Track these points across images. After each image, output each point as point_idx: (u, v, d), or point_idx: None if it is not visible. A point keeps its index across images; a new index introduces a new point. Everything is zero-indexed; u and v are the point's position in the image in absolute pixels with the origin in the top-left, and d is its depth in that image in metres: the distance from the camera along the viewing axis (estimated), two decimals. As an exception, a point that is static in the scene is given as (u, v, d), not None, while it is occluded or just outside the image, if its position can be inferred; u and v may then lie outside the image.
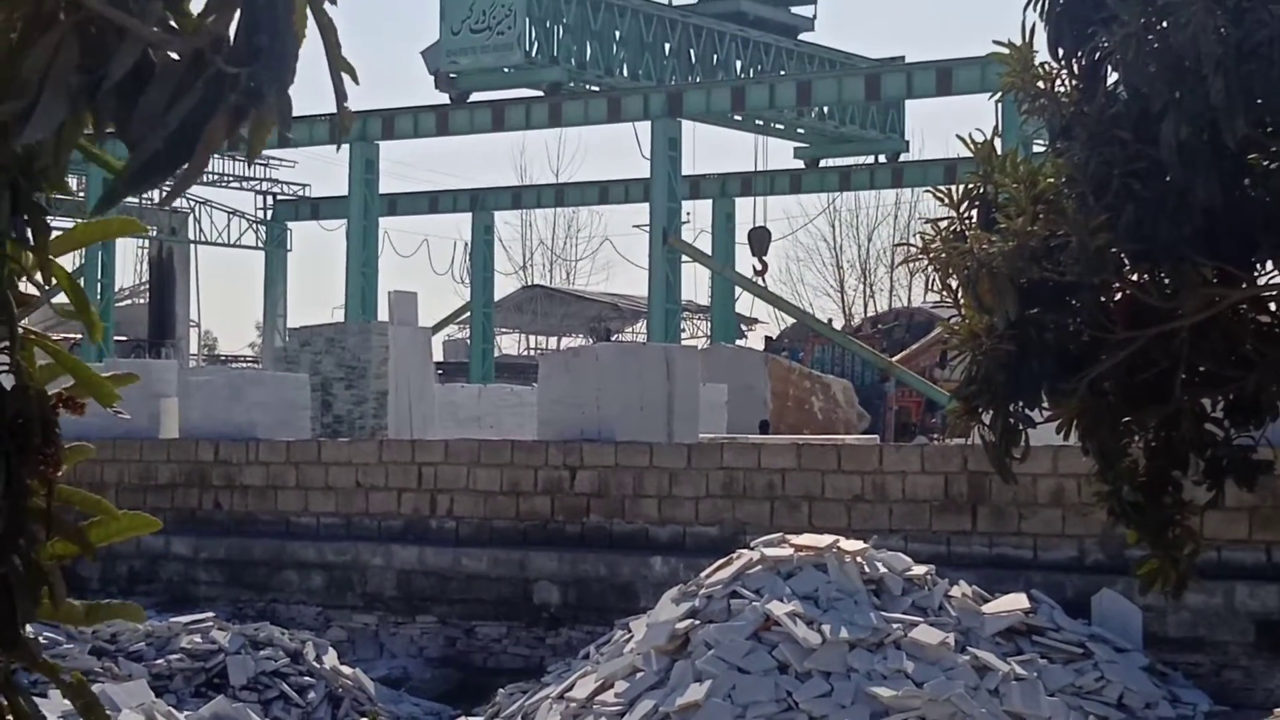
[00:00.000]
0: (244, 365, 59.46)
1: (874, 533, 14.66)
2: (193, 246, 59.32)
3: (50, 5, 2.29)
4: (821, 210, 69.50)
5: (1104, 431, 8.98)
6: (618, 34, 41.88)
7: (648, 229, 40.16)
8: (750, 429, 25.32)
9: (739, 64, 44.47)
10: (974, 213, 8.92)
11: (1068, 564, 14.82)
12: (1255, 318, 8.74)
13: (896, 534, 15.37)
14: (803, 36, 46.75)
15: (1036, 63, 8.81)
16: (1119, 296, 8.72)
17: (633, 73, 42.10)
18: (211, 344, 76.31)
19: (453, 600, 17.27)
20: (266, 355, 50.16)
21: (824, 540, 13.78)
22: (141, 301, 60.56)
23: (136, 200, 57.31)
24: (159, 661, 14.69)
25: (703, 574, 13.93)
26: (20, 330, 2.61)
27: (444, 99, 41.49)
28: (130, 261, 64.33)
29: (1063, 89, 8.69)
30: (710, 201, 47.96)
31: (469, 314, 51.32)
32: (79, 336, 47.00)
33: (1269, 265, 8.56)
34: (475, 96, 41.23)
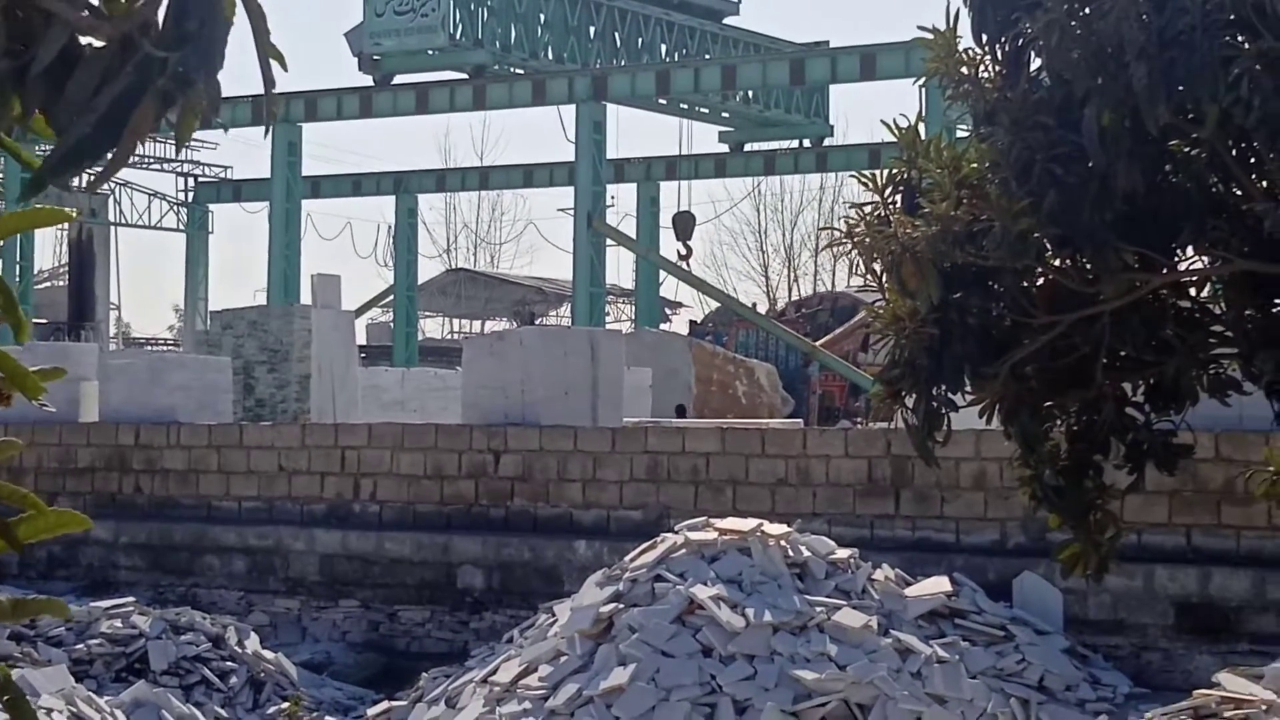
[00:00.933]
0: (162, 348, 59.06)
1: (798, 516, 14.71)
2: (113, 229, 58.85)
3: (-26, -11, 2.27)
4: (746, 194, 69.65)
5: (1025, 415, 9.04)
6: (543, 17, 41.81)
7: (572, 213, 40.13)
8: (674, 413, 25.36)
9: (664, 48, 44.47)
10: (898, 197, 8.96)
11: (990, 547, 14.91)
12: (1176, 303, 8.82)
13: (820, 518, 15.42)
14: (728, 20, 46.77)
15: (961, 48, 8.85)
16: (1041, 281, 8.78)
17: (558, 56, 42.03)
18: (126, 328, 75.70)
19: (376, 585, 17.23)
20: (188, 338, 49.85)
21: (748, 524, 13.81)
22: (61, 284, 60.08)
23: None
24: (79, 646, 14.59)
25: (627, 558, 13.94)
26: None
27: (368, 81, 41.32)
28: (50, 244, 63.79)
29: (986, 75, 8.74)
30: (635, 185, 47.98)
31: (392, 297, 51.15)
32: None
33: (1189, 251, 8.63)
34: (399, 79, 41.09)
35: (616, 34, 43.43)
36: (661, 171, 47.74)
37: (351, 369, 23.84)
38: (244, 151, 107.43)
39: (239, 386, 23.38)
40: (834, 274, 63.16)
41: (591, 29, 42.98)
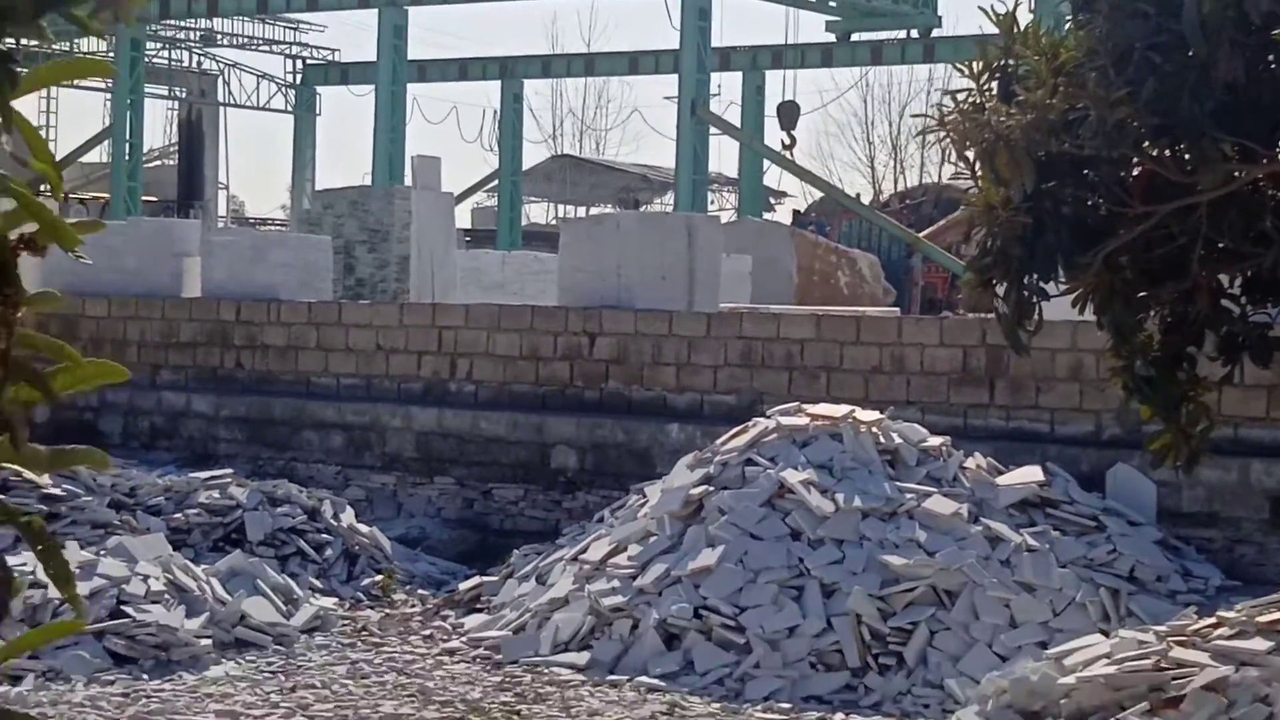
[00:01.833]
0: (273, 228, 59.40)
1: (891, 404, 14.71)
2: (222, 109, 59.14)
3: None
4: (852, 85, 69.09)
5: (1119, 306, 9.00)
6: (651, -99, 41.55)
7: (676, 100, 39.99)
8: (777, 301, 25.31)
9: (772, -66, 44.04)
10: (995, 85, 8.90)
11: (1084, 438, 14.86)
12: (1274, 194, 8.74)
13: (914, 406, 15.41)
14: (839, -94, 46.21)
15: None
16: (1137, 171, 8.71)
17: (665, -59, 41.70)
18: (239, 207, 76.31)
19: (470, 463, 17.38)
20: (294, 219, 50.17)
21: (840, 410, 13.84)
22: (170, 163, 60.47)
23: (166, 60, 57.22)
24: (177, 516, 14.83)
25: (718, 441, 14.00)
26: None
27: (474, -37, 41.25)
28: (160, 123, 64.10)
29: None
30: (740, 74, 47.70)
31: (497, 182, 51.25)
32: (106, 197, 47.04)
33: (1289, 141, 8.54)
34: (506, -39, 41.03)
35: (725, -81, 43.07)
36: (768, 60, 47.41)
37: (450, 250, 23.94)
38: (352, 35, 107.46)
39: (339, 266, 23.54)
40: (940, 167, 62.69)
41: (700, -86, 42.60)
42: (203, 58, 58.64)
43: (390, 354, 18.41)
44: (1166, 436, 9.34)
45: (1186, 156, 8.66)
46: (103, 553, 12.81)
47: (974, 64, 9.01)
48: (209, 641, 12.17)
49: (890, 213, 45.02)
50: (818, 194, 52.88)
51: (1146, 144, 8.65)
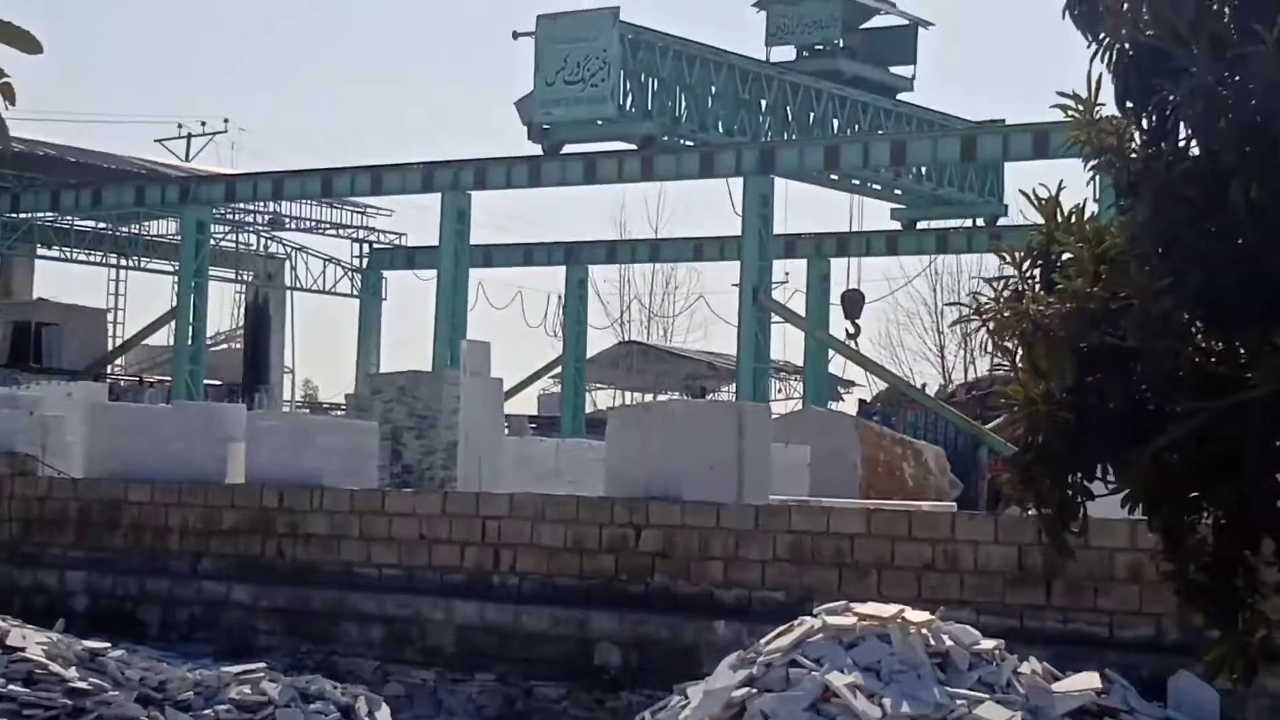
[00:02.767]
0: (339, 414, 59.44)
1: (944, 604, 14.20)
2: (288, 293, 59.46)
3: None
4: (919, 272, 69.00)
5: (1169, 507, 8.53)
6: (713, 89, 41.62)
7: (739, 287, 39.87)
8: (839, 493, 24.82)
9: (836, 123, 44.10)
10: (1036, 272, 8.53)
11: (1144, 643, 14.30)
12: (1333, 391, 8.29)
13: (967, 606, 14.90)
14: (901, 96, 46.35)
15: (1106, 115, 8.40)
16: (1186, 365, 8.28)
17: (728, 128, 41.81)
18: (313, 392, 76.58)
19: (512, 659, 16.93)
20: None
21: (889, 610, 13.33)
22: (236, 346, 60.78)
23: (233, 244, 57.67)
24: (207, 712, 14.40)
25: (762, 641, 13.52)
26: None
27: (537, 150, 41.35)
28: (226, 306, 64.59)
29: (1131, 144, 8.29)
30: (805, 261, 47.62)
31: (561, 368, 51.15)
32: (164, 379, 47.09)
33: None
34: (568, 148, 41.08)
35: (788, 108, 43.14)
36: (833, 248, 47.33)
37: (499, 437, 23.66)
38: (419, 218, 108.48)
39: (387, 452, 23.27)
40: (975, 357, 62.32)
41: (763, 102, 42.73)
42: (270, 241, 59.09)
43: (433, 544, 18.05)
44: (1223, 646, 8.83)
45: (1240, 349, 8.22)
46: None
47: (1016, 251, 8.65)
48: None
49: (956, 403, 44.54)
50: (884, 383, 52.52)
51: (1197, 335, 8.22)
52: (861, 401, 52.66)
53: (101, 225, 55.27)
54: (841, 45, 45.16)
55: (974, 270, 67.80)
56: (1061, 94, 8.28)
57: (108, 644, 15.10)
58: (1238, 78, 7.46)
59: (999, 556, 15.05)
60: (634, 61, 39.94)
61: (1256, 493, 8.55)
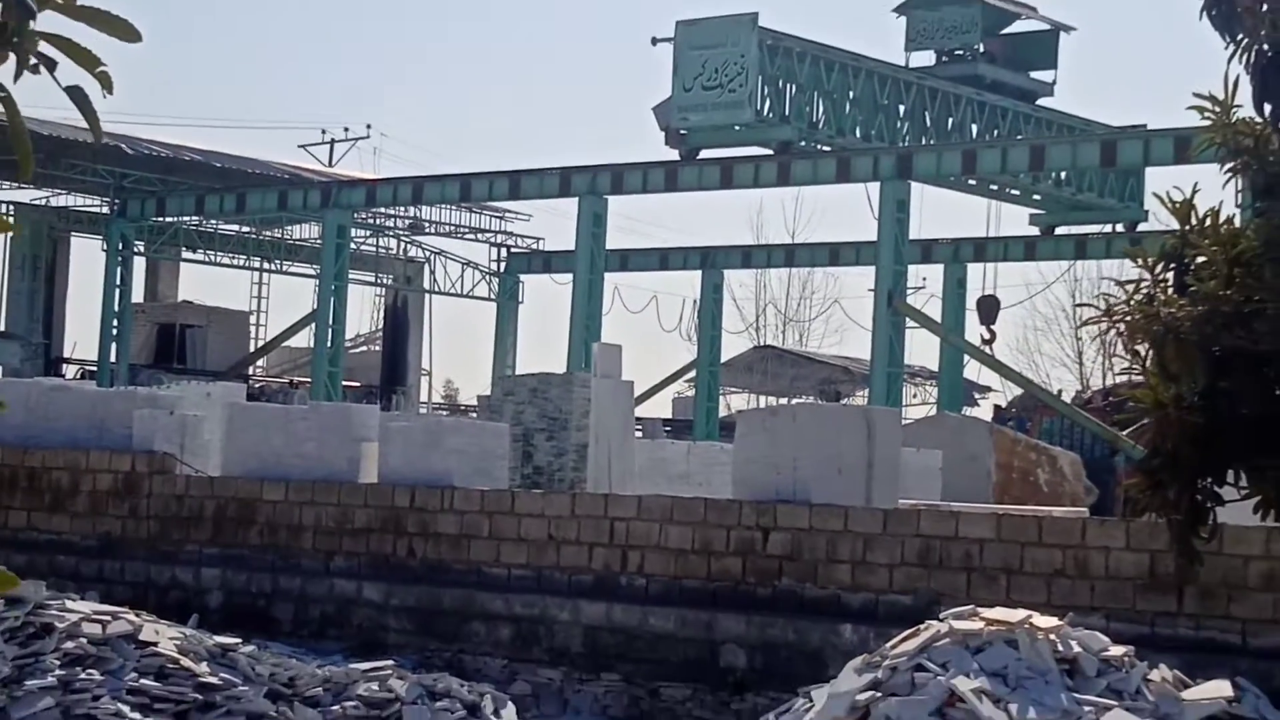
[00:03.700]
0: (474, 415, 59.72)
1: (1073, 610, 14.02)
2: (427, 296, 59.85)
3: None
4: (1058, 277, 68.22)
5: (1302, 514, 8.40)
6: (851, 94, 41.46)
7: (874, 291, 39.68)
8: (972, 498, 24.62)
9: (974, 128, 43.80)
10: (1169, 276, 8.42)
11: (1279, 652, 14.05)
12: None
13: (1098, 612, 14.71)
14: (1041, 101, 45.93)
15: (1241, 116, 8.27)
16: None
17: (865, 134, 41.63)
18: (454, 393, 77.09)
19: (638, 659, 16.92)
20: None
21: (1016, 615, 13.18)
22: (375, 348, 61.26)
23: (374, 247, 58.15)
24: (334, 708, 14.52)
25: (888, 645, 13.41)
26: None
27: (674, 155, 41.36)
28: (366, 309, 65.13)
29: (1269, 145, 8.17)
30: (942, 266, 47.29)
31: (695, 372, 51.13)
32: (308, 381, 47.53)
33: None
34: (705, 153, 41.07)
35: (926, 113, 42.91)
36: (970, 253, 46.97)
37: (629, 439, 23.66)
38: (557, 222, 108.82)
39: (518, 453, 23.33)
40: (1099, 360, 61.50)
41: (901, 107, 42.51)
42: (409, 245, 59.52)
43: (562, 545, 18.07)
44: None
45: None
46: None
47: (1148, 255, 8.53)
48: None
49: (1093, 409, 44.04)
50: (1019, 389, 52.04)
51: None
52: (997, 407, 52.25)
53: (245, 229, 55.95)
54: (981, 50, 44.84)
55: (1114, 276, 66.99)
56: (1198, 95, 8.16)
57: (239, 640, 15.25)
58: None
59: (1130, 562, 14.85)
60: (772, 67, 39.86)
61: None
